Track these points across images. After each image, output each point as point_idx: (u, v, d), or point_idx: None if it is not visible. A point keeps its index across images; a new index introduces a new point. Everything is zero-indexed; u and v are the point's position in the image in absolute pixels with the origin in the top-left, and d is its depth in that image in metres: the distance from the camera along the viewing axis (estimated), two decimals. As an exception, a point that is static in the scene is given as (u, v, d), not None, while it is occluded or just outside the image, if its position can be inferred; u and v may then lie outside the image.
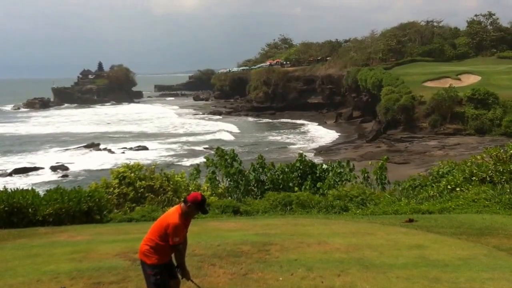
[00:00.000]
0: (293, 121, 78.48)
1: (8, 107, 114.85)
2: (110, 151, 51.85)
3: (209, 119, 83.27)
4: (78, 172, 41.93)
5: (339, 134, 61.33)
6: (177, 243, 4.44)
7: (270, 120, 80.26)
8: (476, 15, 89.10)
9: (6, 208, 9.76)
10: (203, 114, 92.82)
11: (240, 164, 15.90)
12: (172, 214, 4.52)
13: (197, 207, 4.45)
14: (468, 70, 64.44)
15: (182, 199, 4.71)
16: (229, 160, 15.82)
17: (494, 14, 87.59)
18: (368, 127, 61.49)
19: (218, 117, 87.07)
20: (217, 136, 62.23)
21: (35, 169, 42.42)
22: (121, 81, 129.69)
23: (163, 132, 69.24)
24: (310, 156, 35.15)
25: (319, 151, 49.09)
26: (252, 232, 8.35)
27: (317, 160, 33.80)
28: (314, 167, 16.24)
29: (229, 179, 15.75)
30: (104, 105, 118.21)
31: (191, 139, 60.84)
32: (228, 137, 61.53)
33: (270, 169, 15.88)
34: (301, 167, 15.93)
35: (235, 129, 68.93)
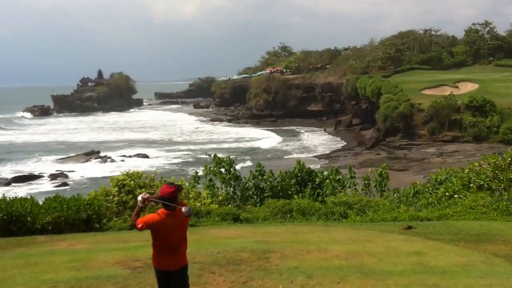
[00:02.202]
0: (293, 128, 78.64)
1: (17, 114, 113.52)
2: (111, 158, 51.75)
3: (232, 126, 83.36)
4: (78, 180, 41.79)
5: (339, 141, 61.43)
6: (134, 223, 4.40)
7: (270, 128, 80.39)
8: (473, 24, 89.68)
9: (4, 217, 9.70)
10: (213, 121, 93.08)
11: (235, 170, 15.90)
12: None
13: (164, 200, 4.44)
14: (465, 78, 64.70)
15: None
16: (226, 167, 15.83)
17: (491, 23, 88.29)
18: (367, 134, 61.65)
19: (229, 123, 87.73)
20: (252, 144, 61.87)
21: (35, 177, 42.29)
22: (121, 88, 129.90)
23: (169, 139, 68.85)
24: (309, 163, 35.12)
25: (319, 158, 49.15)
26: (252, 239, 8.35)
27: (317, 167, 33.79)
28: (314, 175, 16.27)
29: (226, 186, 15.75)
30: (106, 112, 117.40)
31: (233, 145, 60.26)
32: (269, 144, 61.38)
33: (270, 176, 15.89)
34: (299, 174, 15.96)
35: (274, 135, 69.00)
